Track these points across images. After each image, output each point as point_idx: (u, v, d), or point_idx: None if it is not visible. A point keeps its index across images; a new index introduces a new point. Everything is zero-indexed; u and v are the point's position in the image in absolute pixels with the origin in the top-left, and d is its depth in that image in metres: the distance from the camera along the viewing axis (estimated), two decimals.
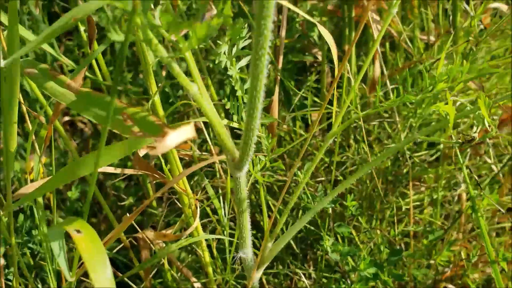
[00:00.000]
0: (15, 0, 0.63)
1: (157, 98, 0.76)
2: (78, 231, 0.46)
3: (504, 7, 1.26)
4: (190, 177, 1.10)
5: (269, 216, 0.91)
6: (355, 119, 0.64)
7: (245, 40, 0.59)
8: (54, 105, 0.78)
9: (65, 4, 1.34)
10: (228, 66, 0.58)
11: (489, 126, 0.56)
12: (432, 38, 1.13)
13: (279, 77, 0.95)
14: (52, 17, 1.35)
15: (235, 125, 0.63)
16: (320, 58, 1.25)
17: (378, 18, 0.89)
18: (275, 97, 0.91)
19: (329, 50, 1.30)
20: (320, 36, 1.25)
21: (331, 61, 1.39)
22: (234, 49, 0.59)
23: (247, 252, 0.68)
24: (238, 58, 0.61)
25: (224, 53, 0.58)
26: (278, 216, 0.97)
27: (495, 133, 0.56)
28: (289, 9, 1.29)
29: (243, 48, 0.59)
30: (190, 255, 1.14)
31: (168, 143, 0.44)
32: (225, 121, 0.61)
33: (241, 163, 0.56)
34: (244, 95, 0.62)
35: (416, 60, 0.98)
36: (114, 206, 1.30)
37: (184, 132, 0.43)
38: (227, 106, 0.62)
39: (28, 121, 0.84)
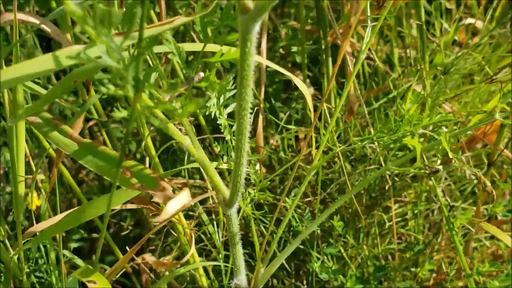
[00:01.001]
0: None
1: (149, 140, 0.82)
2: (94, 282, 0.52)
3: (479, 23, 1.34)
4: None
5: (261, 243, 0.97)
6: (333, 154, 0.70)
7: (232, 90, 0.65)
8: (57, 151, 0.84)
9: None
10: (218, 116, 0.64)
11: (452, 158, 0.62)
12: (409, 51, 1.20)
13: (261, 106, 1.02)
14: (48, 42, 1.40)
15: (225, 166, 0.69)
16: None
17: (350, 50, 0.96)
18: (259, 130, 0.97)
19: (309, 69, 1.38)
20: (300, 53, 1.32)
21: (313, 83, 1.47)
22: (222, 99, 0.66)
23: (241, 279, 0.74)
24: (227, 105, 0.67)
25: (214, 104, 0.64)
26: (270, 239, 1.03)
27: (458, 162, 0.62)
28: (272, 32, 1.36)
29: (231, 96, 0.66)
30: (188, 277, 1.20)
31: (168, 211, 0.50)
32: (215, 164, 0.68)
33: (231, 202, 0.63)
34: (232, 137, 0.68)
35: (389, 84, 1.05)
36: (112, 225, 1.36)
37: (182, 199, 0.50)
38: (217, 149, 0.68)
39: (32, 164, 0.90)
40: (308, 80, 1.34)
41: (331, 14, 0.95)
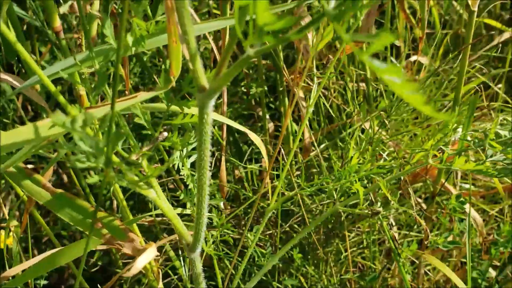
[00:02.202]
0: None
1: (117, 186, 0.88)
2: None
3: (423, 59, 1.44)
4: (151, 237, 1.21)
5: (223, 276, 1.03)
6: (288, 197, 0.78)
7: (194, 143, 0.72)
8: (28, 197, 0.89)
9: None
10: (181, 168, 0.71)
11: (391, 201, 0.70)
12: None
13: (224, 147, 1.09)
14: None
15: (188, 211, 0.75)
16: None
17: (302, 95, 1.05)
18: (222, 167, 1.04)
19: (268, 106, 1.46)
20: (260, 96, 1.40)
21: (275, 116, 1.55)
22: (185, 151, 0.72)
23: None
24: (190, 156, 0.74)
25: (177, 157, 0.70)
26: (234, 272, 1.09)
27: (396, 205, 0.70)
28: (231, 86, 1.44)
29: (192, 149, 0.73)
30: None
31: (138, 266, 0.56)
32: (179, 210, 0.74)
33: (194, 246, 0.69)
34: (194, 185, 0.75)
35: (340, 123, 1.14)
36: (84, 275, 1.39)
37: (149, 254, 0.56)
38: (181, 197, 0.75)
39: (4, 210, 0.94)
40: (268, 116, 1.42)
41: (283, 66, 1.04)
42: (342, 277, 1.07)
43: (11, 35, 0.52)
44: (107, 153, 0.41)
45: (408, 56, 1.48)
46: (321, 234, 1.20)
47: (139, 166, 0.57)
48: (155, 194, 0.64)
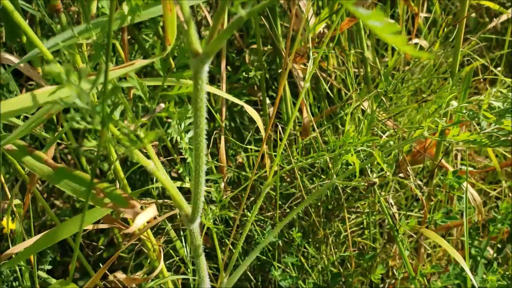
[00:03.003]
0: None
1: (117, 163, 0.89)
2: None
3: (423, 42, 1.45)
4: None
5: (223, 252, 1.04)
6: (286, 170, 0.79)
7: (191, 118, 0.73)
8: (30, 176, 0.90)
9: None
10: (179, 140, 0.72)
11: (386, 171, 0.71)
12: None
13: (223, 129, 1.10)
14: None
15: (187, 185, 0.77)
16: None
17: (301, 75, 1.05)
18: (222, 150, 1.05)
19: (269, 94, 1.47)
20: (260, 80, 1.41)
21: (272, 97, 1.56)
22: (183, 125, 0.73)
23: None
24: (188, 130, 0.75)
25: (174, 130, 0.72)
26: (232, 248, 1.10)
27: (392, 175, 0.71)
28: (235, 56, 1.45)
29: (189, 124, 0.74)
30: None
31: (138, 223, 0.58)
32: (178, 183, 0.75)
33: (193, 217, 0.70)
34: (192, 160, 0.76)
35: (339, 105, 1.14)
36: (85, 247, 1.41)
37: (149, 212, 0.57)
38: (180, 171, 0.76)
39: (7, 190, 0.95)
40: (269, 102, 1.42)
41: (282, 47, 1.04)
42: (343, 254, 1.08)
43: (10, 5, 0.53)
44: (102, 108, 0.42)
45: (409, 40, 1.49)
46: (321, 216, 1.21)
47: (135, 138, 0.58)
48: (154, 166, 0.66)
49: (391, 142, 0.89)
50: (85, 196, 0.71)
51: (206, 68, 0.51)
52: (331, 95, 1.29)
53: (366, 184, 0.73)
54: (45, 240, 0.76)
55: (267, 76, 1.47)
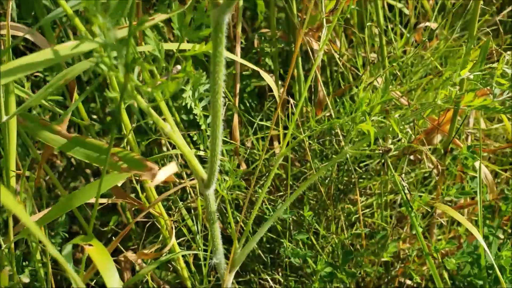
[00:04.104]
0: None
1: (131, 136, 0.89)
2: (89, 245, 0.59)
3: (433, 25, 1.44)
4: (165, 202, 1.22)
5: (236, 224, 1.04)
6: (299, 141, 0.78)
7: (206, 84, 0.73)
8: (43, 150, 0.90)
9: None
10: (193, 107, 0.72)
11: (402, 138, 0.71)
12: (373, 55, 1.29)
13: (236, 109, 1.10)
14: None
15: (202, 153, 0.76)
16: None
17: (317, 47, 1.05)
18: (235, 123, 1.05)
19: (280, 75, 1.46)
20: (273, 57, 1.41)
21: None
22: (197, 93, 0.73)
23: (220, 258, 0.81)
24: (201, 99, 0.75)
25: (189, 96, 0.71)
26: (243, 226, 1.10)
27: (407, 143, 0.71)
28: (244, 41, 1.44)
29: (204, 91, 0.74)
30: (169, 273, 1.25)
31: (159, 178, 0.58)
32: (194, 151, 0.75)
33: (209, 182, 0.70)
34: (207, 128, 0.76)
35: (353, 84, 1.14)
36: (95, 232, 1.41)
37: (170, 169, 0.57)
38: (195, 138, 0.76)
39: (20, 165, 0.95)
40: (280, 83, 1.42)
41: (296, 20, 1.04)
42: (354, 232, 1.08)
43: None
44: (127, 46, 0.42)
45: (416, 24, 1.48)
46: (332, 197, 1.20)
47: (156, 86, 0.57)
48: (170, 128, 0.65)
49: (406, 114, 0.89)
50: (99, 162, 0.71)
51: (226, 19, 0.51)
52: (344, 70, 1.29)
53: (381, 151, 0.72)
54: (58, 208, 0.76)
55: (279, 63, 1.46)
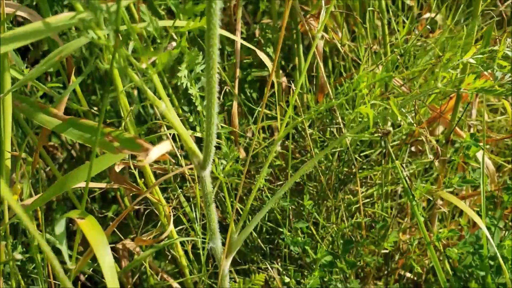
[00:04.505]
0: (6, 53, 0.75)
1: (129, 119, 0.88)
2: (81, 218, 0.58)
3: (437, 17, 1.43)
4: (163, 190, 1.22)
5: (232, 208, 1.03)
6: (298, 123, 0.77)
7: (202, 65, 0.72)
8: (40, 132, 0.90)
9: None
10: (189, 87, 0.71)
11: (401, 121, 0.70)
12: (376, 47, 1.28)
13: (235, 95, 1.09)
14: None
15: (198, 134, 0.75)
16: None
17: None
18: (234, 110, 1.04)
19: (281, 65, 1.45)
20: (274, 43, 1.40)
21: (287, 74, 1.54)
22: (193, 73, 0.72)
23: (217, 243, 0.80)
24: (198, 80, 0.74)
25: (185, 76, 0.71)
26: (241, 212, 1.09)
27: (407, 125, 0.69)
28: (246, 31, 1.43)
29: (202, 70, 0.73)
30: (167, 263, 1.25)
31: (152, 156, 0.57)
32: (190, 132, 0.74)
33: (205, 163, 0.69)
34: (203, 109, 0.75)
35: (354, 73, 1.13)
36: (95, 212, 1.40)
37: (164, 147, 0.56)
38: (191, 120, 0.75)
39: (17, 147, 0.95)
40: (280, 72, 1.41)
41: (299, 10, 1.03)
42: (353, 221, 1.07)
43: None
44: (117, 12, 0.41)
45: (419, 15, 1.47)
46: (332, 185, 1.19)
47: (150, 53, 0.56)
48: (165, 107, 0.65)
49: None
50: (91, 143, 0.70)
51: None
52: (347, 64, 1.28)
53: (380, 134, 0.71)
54: (54, 190, 0.75)
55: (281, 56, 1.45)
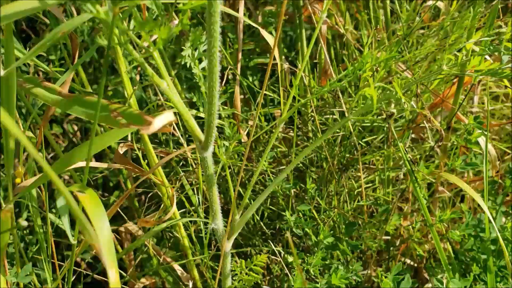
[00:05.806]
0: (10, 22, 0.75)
1: (132, 100, 0.89)
2: (82, 192, 0.58)
3: (440, 3, 1.42)
4: (167, 174, 1.22)
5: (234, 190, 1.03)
6: (299, 106, 0.77)
7: (205, 45, 0.72)
8: (45, 111, 0.90)
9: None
10: (192, 66, 0.71)
11: (405, 103, 0.70)
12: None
13: (238, 77, 1.09)
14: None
15: (201, 114, 0.76)
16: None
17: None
18: (236, 93, 1.04)
19: (284, 53, 1.45)
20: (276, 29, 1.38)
21: (290, 62, 1.54)
22: (196, 53, 0.72)
23: (218, 224, 0.81)
24: (200, 60, 0.74)
25: (188, 55, 0.71)
26: (243, 194, 1.09)
27: (410, 108, 0.69)
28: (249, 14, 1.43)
29: (204, 51, 0.73)
30: (168, 249, 1.26)
31: (155, 126, 0.57)
32: (193, 112, 0.74)
33: (207, 143, 0.69)
34: (206, 89, 0.75)
35: (358, 57, 1.13)
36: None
37: (167, 117, 0.56)
38: (194, 99, 0.75)
39: (21, 125, 0.95)
40: (284, 58, 1.41)
41: None
42: (357, 203, 1.07)
43: None
44: None
45: (423, 2, 1.46)
46: (334, 170, 1.19)
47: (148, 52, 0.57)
48: (166, 85, 0.65)
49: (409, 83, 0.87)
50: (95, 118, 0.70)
51: None
52: (349, 51, 1.27)
53: (384, 116, 0.71)
54: (58, 166, 0.75)
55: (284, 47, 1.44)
